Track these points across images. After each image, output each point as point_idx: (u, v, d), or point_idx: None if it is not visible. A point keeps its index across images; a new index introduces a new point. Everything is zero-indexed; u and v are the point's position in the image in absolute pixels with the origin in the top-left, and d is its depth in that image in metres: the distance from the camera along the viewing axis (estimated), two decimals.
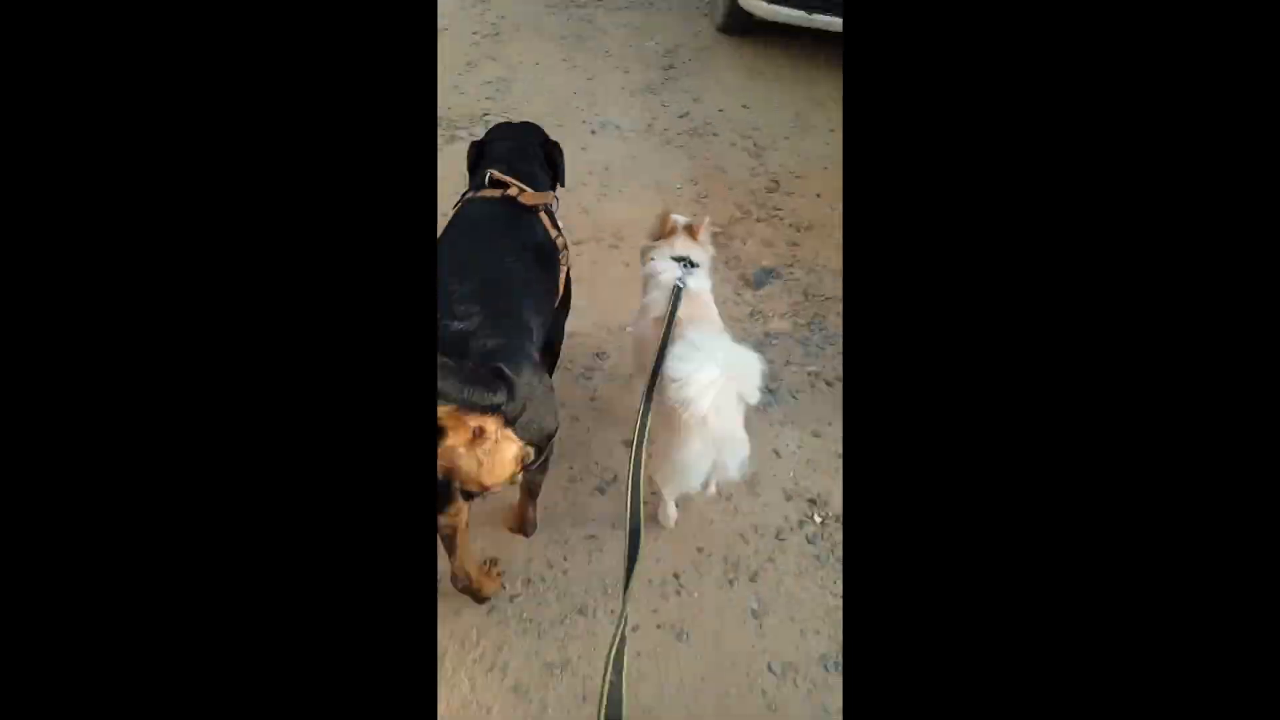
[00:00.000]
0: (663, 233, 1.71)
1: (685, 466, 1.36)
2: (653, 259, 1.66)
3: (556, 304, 1.56)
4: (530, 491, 1.52)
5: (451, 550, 1.35)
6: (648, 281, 1.65)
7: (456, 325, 1.14)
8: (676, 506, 1.65)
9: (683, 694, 1.38)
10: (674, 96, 3.39)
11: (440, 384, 0.99)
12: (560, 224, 1.61)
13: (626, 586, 1.01)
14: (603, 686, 0.87)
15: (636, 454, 1.18)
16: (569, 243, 1.63)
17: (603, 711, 0.85)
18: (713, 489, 1.63)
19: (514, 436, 1.13)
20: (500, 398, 1.08)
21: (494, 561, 1.57)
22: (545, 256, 1.50)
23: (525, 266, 1.40)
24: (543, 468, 1.37)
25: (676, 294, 1.50)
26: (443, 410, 1.04)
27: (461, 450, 1.10)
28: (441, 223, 1.48)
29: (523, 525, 1.60)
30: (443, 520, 1.24)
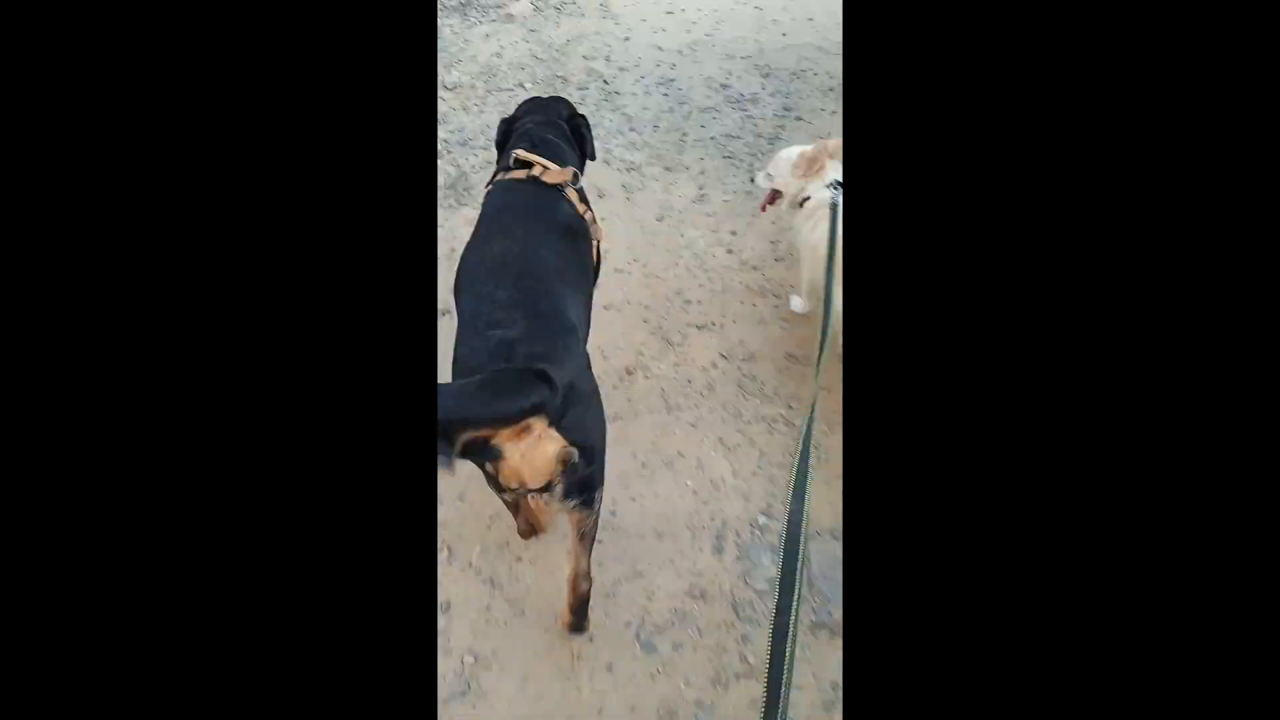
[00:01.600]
0: (809, 171, 1.82)
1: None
2: (808, 196, 1.80)
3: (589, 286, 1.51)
4: (581, 536, 1.32)
5: (516, 511, 1.50)
6: (810, 215, 1.79)
7: (500, 333, 1.11)
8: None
9: None
10: None
11: (462, 406, 0.99)
12: (588, 198, 1.57)
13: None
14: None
15: (820, 359, 1.25)
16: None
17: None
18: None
19: (556, 435, 1.08)
20: (540, 396, 1.04)
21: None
22: (576, 237, 1.48)
23: (558, 254, 1.37)
24: (593, 500, 1.25)
25: (834, 213, 1.64)
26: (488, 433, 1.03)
27: (504, 443, 1.05)
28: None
29: (575, 591, 1.40)
30: (504, 496, 1.34)
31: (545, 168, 1.52)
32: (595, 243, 1.55)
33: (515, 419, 1.03)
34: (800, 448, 0.94)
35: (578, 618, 1.44)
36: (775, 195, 2.00)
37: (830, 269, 1.47)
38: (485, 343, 1.12)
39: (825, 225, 1.65)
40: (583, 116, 1.78)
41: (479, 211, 1.51)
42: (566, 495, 1.17)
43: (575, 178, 1.57)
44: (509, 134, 1.69)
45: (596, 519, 1.30)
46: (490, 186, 1.56)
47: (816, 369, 1.21)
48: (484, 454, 1.06)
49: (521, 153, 1.55)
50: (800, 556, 0.82)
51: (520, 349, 1.10)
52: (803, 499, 0.87)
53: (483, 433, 1.02)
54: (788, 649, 0.77)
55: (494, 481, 1.14)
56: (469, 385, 1.03)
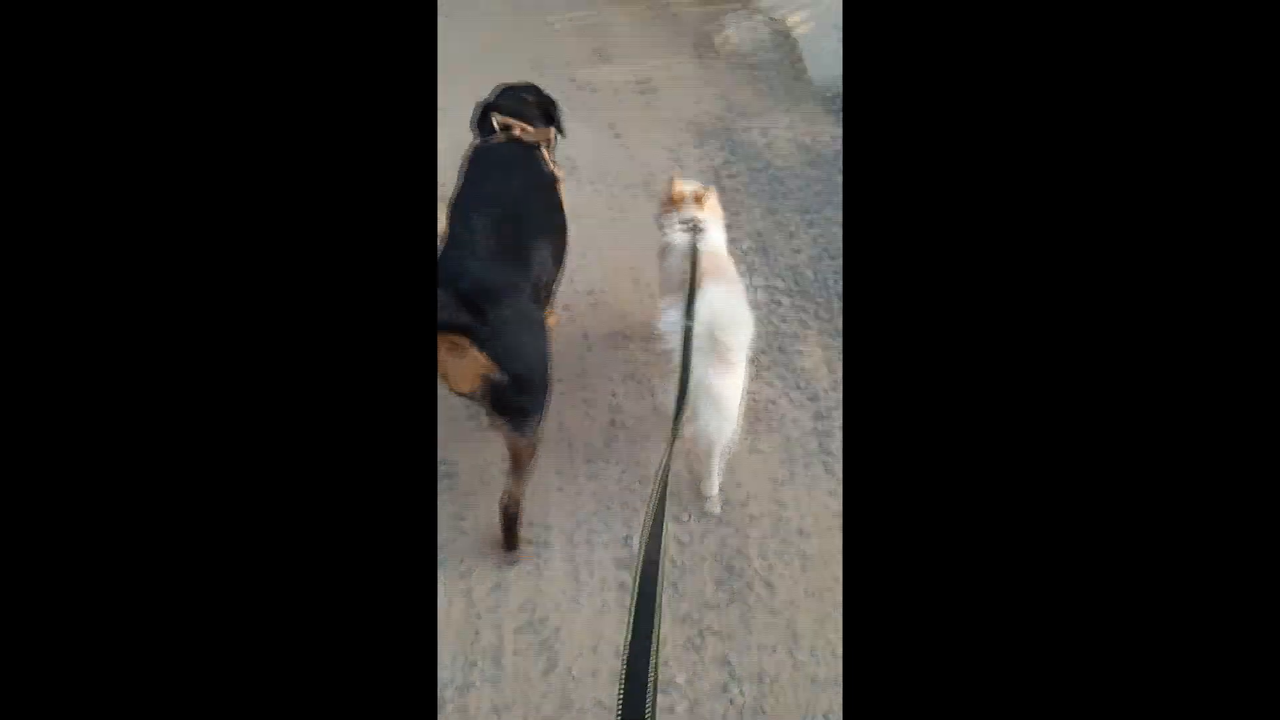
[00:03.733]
0: (672, 200, 1.80)
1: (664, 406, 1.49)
2: (665, 229, 1.77)
3: (559, 234, 1.69)
4: (516, 461, 1.52)
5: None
6: (665, 250, 1.75)
7: (458, 255, 1.37)
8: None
9: None
10: None
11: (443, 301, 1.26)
12: (556, 160, 1.81)
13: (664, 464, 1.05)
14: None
15: (679, 397, 1.29)
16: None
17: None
18: (714, 464, 1.65)
19: (480, 356, 1.34)
20: (467, 319, 1.30)
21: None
22: (549, 191, 1.70)
23: (532, 202, 1.59)
24: (525, 425, 1.45)
25: (694, 253, 1.60)
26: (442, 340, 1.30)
27: (446, 357, 1.35)
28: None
29: (505, 514, 1.59)
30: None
31: (524, 129, 1.73)
32: (560, 198, 1.74)
33: (454, 331, 1.29)
34: (657, 490, 0.95)
35: (508, 537, 1.61)
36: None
37: (690, 309, 1.44)
38: (447, 263, 1.35)
39: (678, 262, 1.63)
40: (551, 98, 1.96)
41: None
42: (497, 412, 1.41)
43: (553, 137, 1.80)
44: (485, 116, 1.83)
45: (532, 450, 1.50)
46: (470, 151, 1.73)
47: (675, 420, 1.23)
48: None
49: (500, 116, 1.74)
50: (658, 599, 0.81)
51: (471, 275, 1.34)
52: (659, 539, 0.88)
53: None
54: (647, 702, 0.73)
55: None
56: None
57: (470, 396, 1.40)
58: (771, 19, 4.05)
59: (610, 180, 2.93)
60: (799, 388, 2.06)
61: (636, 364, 2.12)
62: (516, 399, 1.39)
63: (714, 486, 1.69)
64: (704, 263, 1.57)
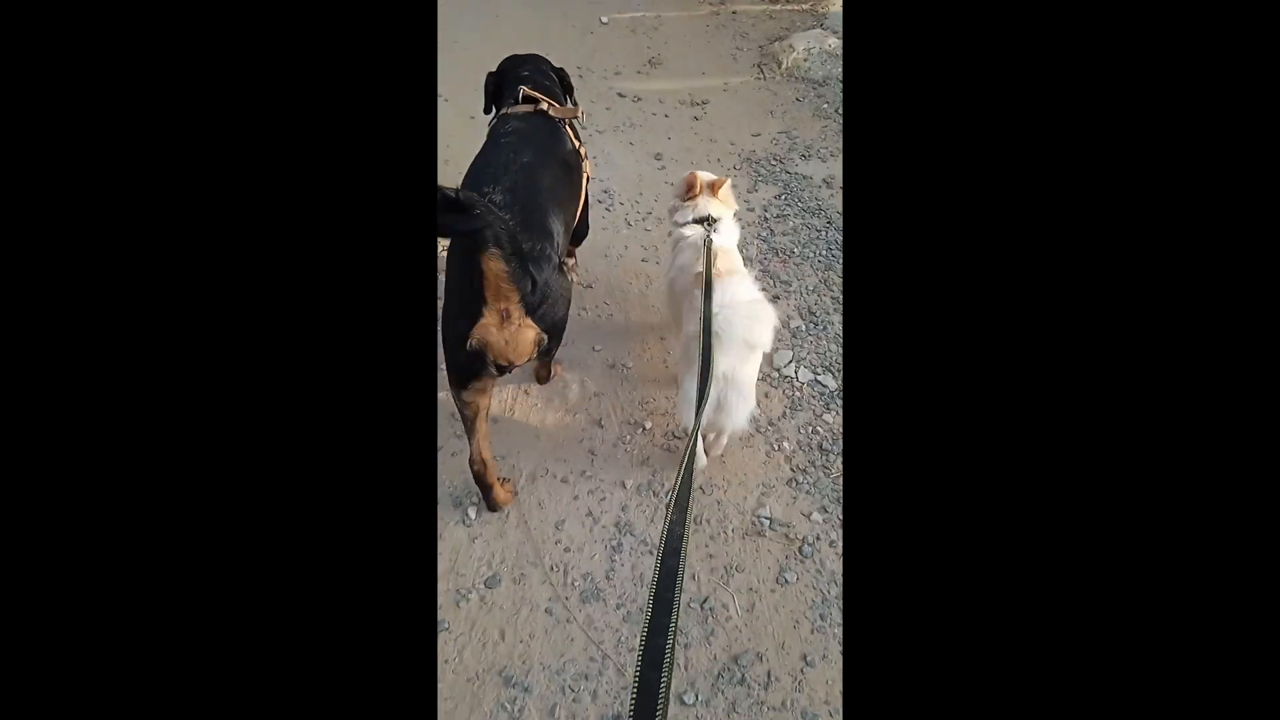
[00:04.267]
0: (688, 194, 1.78)
1: (688, 395, 1.48)
2: (678, 223, 1.77)
3: (579, 209, 1.74)
4: (543, 359, 1.79)
5: (471, 433, 1.53)
6: (677, 244, 1.74)
7: (501, 226, 1.25)
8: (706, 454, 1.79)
9: None
10: None
11: (492, 233, 1.21)
12: (581, 136, 1.86)
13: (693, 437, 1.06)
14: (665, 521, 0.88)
15: (701, 383, 1.24)
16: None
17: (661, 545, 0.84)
18: (723, 440, 1.73)
19: (533, 324, 1.34)
20: (526, 286, 1.29)
21: (506, 479, 1.73)
22: (571, 167, 1.68)
23: (553, 176, 1.55)
24: (553, 353, 1.70)
25: (709, 249, 1.58)
26: (492, 269, 1.25)
27: (493, 329, 1.31)
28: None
29: (538, 375, 1.94)
30: (469, 395, 1.44)
31: (551, 104, 1.74)
32: (586, 177, 1.77)
33: (512, 285, 1.28)
34: (684, 463, 0.94)
35: (542, 380, 1.93)
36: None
37: (707, 303, 1.42)
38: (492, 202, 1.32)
39: (696, 259, 1.63)
40: (563, 70, 1.99)
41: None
42: (538, 359, 1.58)
43: (577, 115, 1.81)
44: (500, 86, 1.86)
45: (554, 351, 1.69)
46: (496, 119, 1.76)
47: (700, 400, 1.20)
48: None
49: (528, 90, 1.76)
50: (680, 572, 0.81)
51: (518, 244, 1.28)
52: (685, 510, 0.88)
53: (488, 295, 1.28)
54: (663, 678, 0.72)
55: (482, 363, 1.36)
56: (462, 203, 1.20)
57: (516, 366, 1.41)
58: None
59: (648, 216, 2.56)
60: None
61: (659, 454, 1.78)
62: (548, 346, 1.47)
63: (717, 450, 1.79)
64: (719, 261, 1.59)
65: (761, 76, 3.43)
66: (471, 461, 1.58)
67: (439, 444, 1.83)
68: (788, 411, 1.95)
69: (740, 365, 1.46)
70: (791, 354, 2.09)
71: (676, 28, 3.82)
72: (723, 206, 1.77)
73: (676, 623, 0.75)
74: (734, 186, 1.94)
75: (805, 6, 3.99)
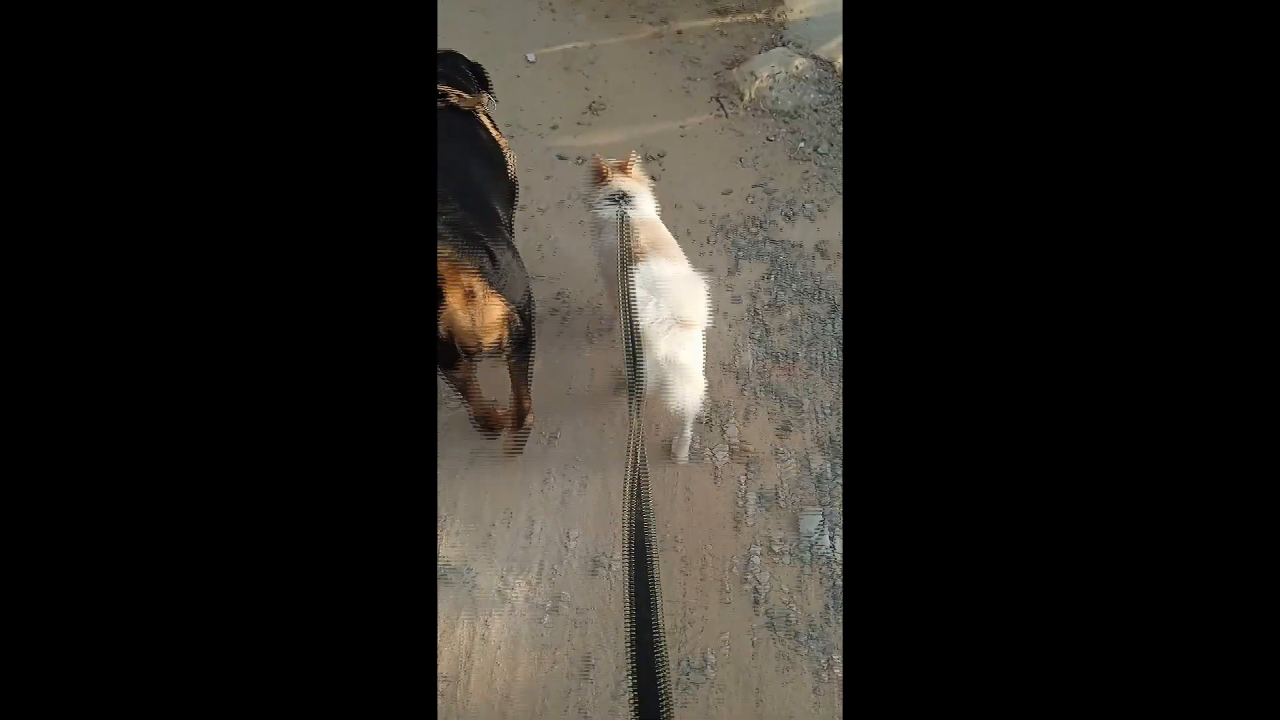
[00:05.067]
0: (599, 179, 1.75)
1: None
2: (593, 206, 1.71)
3: (513, 198, 1.75)
4: (521, 377, 1.61)
5: (468, 396, 1.62)
6: (596, 226, 1.69)
7: (449, 214, 1.26)
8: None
9: None
10: None
11: (441, 228, 1.21)
12: (500, 126, 1.83)
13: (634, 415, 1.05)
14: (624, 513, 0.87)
15: (630, 370, 1.22)
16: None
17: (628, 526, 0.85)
18: (686, 432, 1.66)
19: (499, 299, 1.33)
20: (484, 260, 1.28)
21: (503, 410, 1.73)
22: (495, 158, 1.70)
23: (480, 165, 1.59)
24: (526, 350, 1.52)
25: (623, 222, 1.53)
26: (442, 260, 1.24)
27: (458, 310, 1.30)
28: None
29: (518, 411, 1.68)
30: (455, 374, 1.53)
31: (460, 96, 1.72)
32: (512, 167, 1.78)
33: (468, 268, 1.26)
34: (630, 456, 0.93)
35: (518, 423, 1.71)
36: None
37: (624, 277, 1.38)
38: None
39: (613, 237, 1.56)
40: (479, 65, 1.97)
41: None
42: (515, 355, 1.49)
43: (486, 102, 1.83)
44: None
45: (532, 363, 1.59)
46: None
47: (633, 403, 1.14)
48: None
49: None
50: (653, 562, 0.82)
51: (466, 221, 1.29)
52: (645, 500, 0.88)
53: (443, 271, 1.26)
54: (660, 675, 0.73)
55: (451, 353, 1.38)
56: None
57: (494, 349, 1.40)
58: (815, 57, 3.13)
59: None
60: None
61: None
62: (526, 332, 1.46)
63: (685, 450, 1.72)
64: (641, 235, 1.52)
65: (722, 112, 2.95)
66: (474, 418, 1.64)
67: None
68: (830, 605, 1.50)
69: (678, 347, 1.39)
70: (819, 514, 1.63)
71: (616, 58, 3.31)
72: (635, 183, 1.73)
73: (662, 614, 0.77)
74: (711, 269, 2.05)
75: (760, 16, 3.51)
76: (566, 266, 2.28)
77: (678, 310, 1.35)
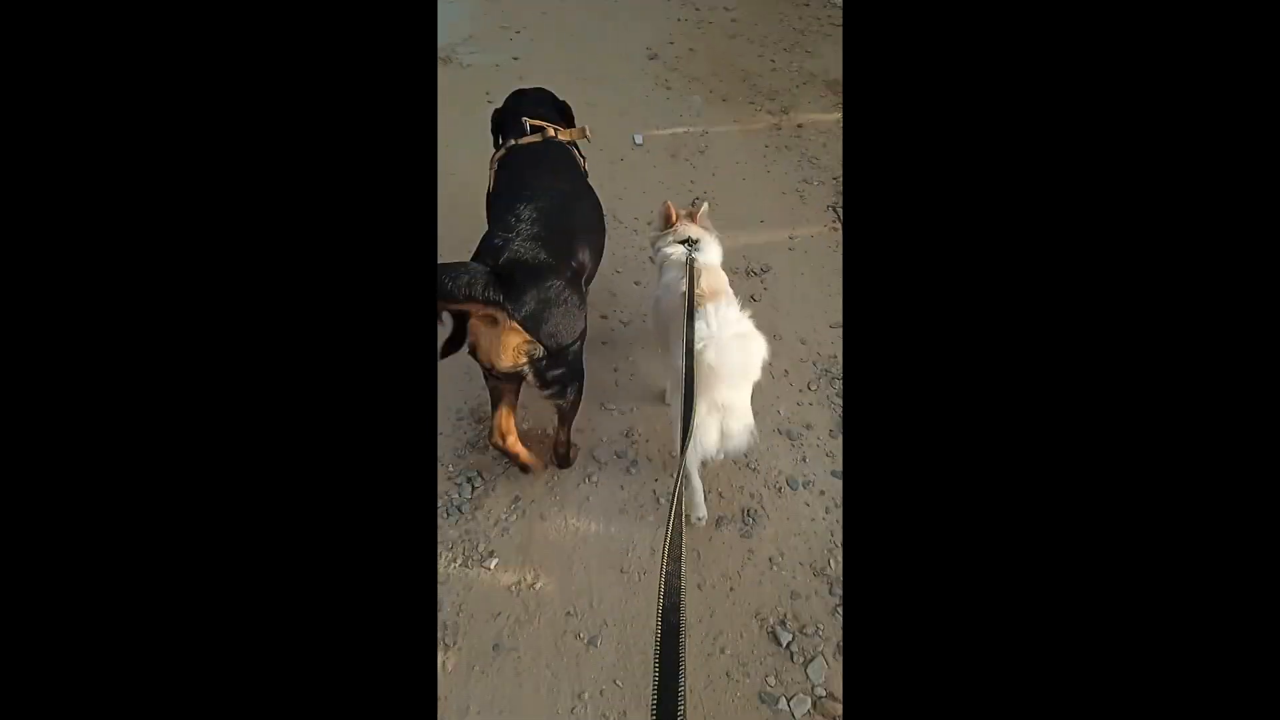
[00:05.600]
0: (666, 224, 1.78)
1: (697, 428, 1.41)
2: (660, 247, 1.75)
3: (601, 228, 1.78)
4: (561, 417, 1.69)
5: (493, 408, 1.61)
6: (663, 264, 1.72)
7: (500, 239, 1.42)
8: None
9: None
10: None
11: (443, 280, 1.29)
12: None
13: (679, 474, 0.99)
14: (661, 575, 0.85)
15: (685, 415, 1.21)
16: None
17: (661, 600, 0.83)
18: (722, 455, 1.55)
19: (519, 329, 1.37)
20: (498, 295, 1.33)
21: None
22: (585, 186, 1.80)
23: (575, 196, 1.67)
24: (560, 389, 1.54)
25: (691, 267, 1.57)
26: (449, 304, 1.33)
27: (479, 329, 1.40)
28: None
29: (556, 451, 1.78)
30: (490, 382, 1.57)
31: (556, 129, 1.83)
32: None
33: (469, 302, 1.32)
34: (674, 506, 0.92)
35: (561, 463, 1.80)
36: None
37: (689, 321, 1.40)
38: (487, 242, 1.44)
39: (681, 277, 1.59)
40: (565, 102, 2.05)
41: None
42: (543, 387, 1.51)
43: (585, 135, 1.88)
44: (503, 123, 1.92)
45: (575, 405, 1.64)
46: (503, 153, 1.78)
47: (684, 434, 1.16)
48: (464, 334, 1.44)
49: (532, 120, 1.83)
50: (682, 625, 0.80)
51: (507, 252, 1.39)
52: (679, 560, 0.86)
53: (454, 306, 1.34)
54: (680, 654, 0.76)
55: (481, 365, 1.47)
56: (449, 267, 1.32)
57: (513, 372, 1.44)
58: None
59: (738, 517, 1.78)
60: None
61: None
62: (553, 372, 1.47)
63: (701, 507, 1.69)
64: (703, 280, 1.55)
65: (837, 225, 2.64)
66: (491, 433, 1.63)
67: None
68: None
69: (736, 394, 1.45)
70: None
71: (728, 149, 3.07)
72: (702, 230, 1.76)
73: (685, 683, 0.76)
74: (809, 426, 1.91)
75: None
76: (643, 394, 2.01)
77: (742, 368, 1.40)
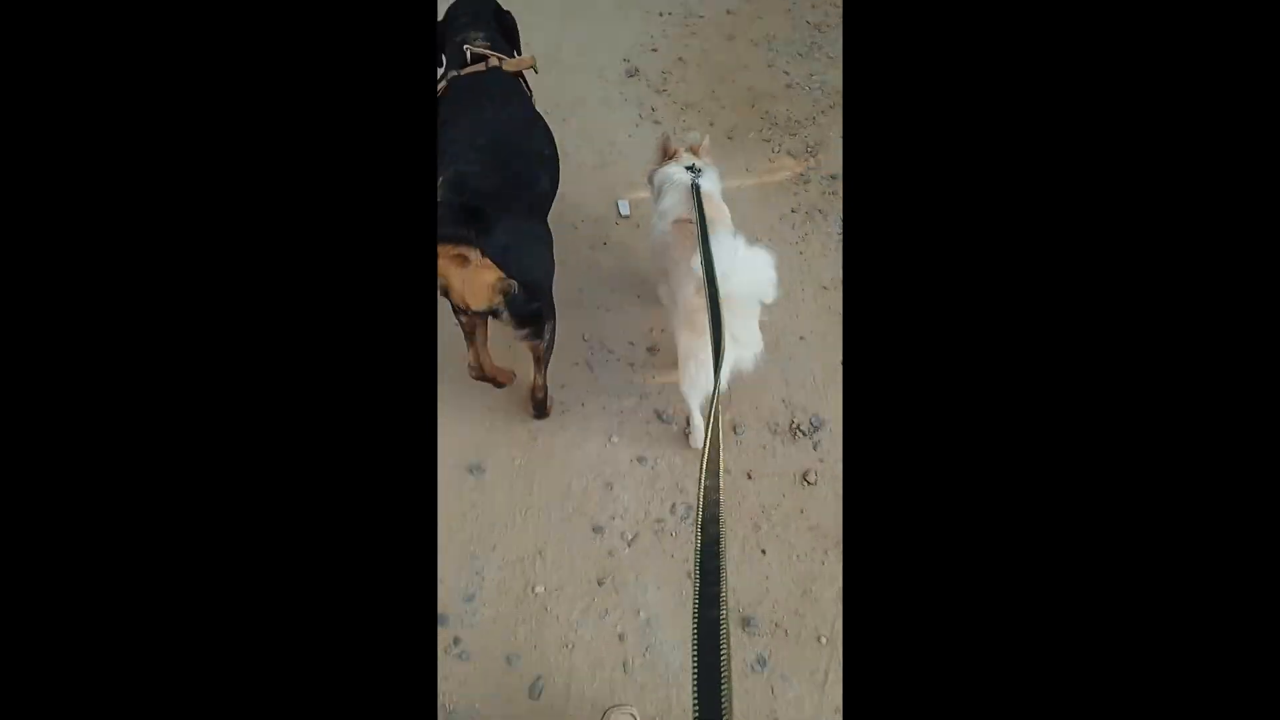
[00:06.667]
0: (665, 157, 1.76)
1: (697, 358, 1.48)
2: (661, 169, 1.73)
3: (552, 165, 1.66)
4: (537, 360, 1.65)
5: (468, 342, 1.62)
6: (661, 188, 1.70)
7: (456, 169, 1.36)
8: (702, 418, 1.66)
9: None
10: None
11: (442, 195, 1.29)
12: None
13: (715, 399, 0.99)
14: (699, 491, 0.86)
15: (715, 335, 1.18)
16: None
17: (700, 512, 0.84)
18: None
19: (492, 265, 1.34)
20: (471, 232, 1.29)
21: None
22: (534, 113, 1.69)
23: (530, 129, 1.60)
24: (535, 329, 1.52)
25: (696, 192, 1.56)
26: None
27: (450, 270, 1.34)
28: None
29: (534, 398, 1.75)
30: (461, 319, 1.54)
31: (501, 58, 1.70)
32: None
33: (453, 242, 1.29)
34: (711, 427, 0.92)
35: (538, 411, 1.80)
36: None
37: (705, 246, 1.34)
38: (451, 176, 1.35)
39: (685, 202, 1.60)
40: (509, 13, 1.93)
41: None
42: (518, 326, 1.47)
43: (531, 65, 1.76)
44: (443, 35, 1.81)
45: (549, 346, 1.61)
46: (445, 83, 1.66)
47: (716, 363, 1.12)
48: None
49: (477, 47, 1.70)
50: (722, 538, 0.82)
51: (471, 183, 1.34)
52: (717, 474, 0.87)
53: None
54: (723, 652, 0.73)
55: (453, 305, 1.44)
56: None
57: (489, 312, 1.42)
58: None
59: None
60: None
61: None
62: (530, 306, 1.44)
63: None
64: (707, 208, 1.52)
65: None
66: (470, 366, 1.65)
67: None
68: None
69: (745, 322, 1.43)
70: None
71: (741, 214, 2.34)
72: (704, 161, 1.72)
73: (726, 593, 0.76)
74: None
75: None
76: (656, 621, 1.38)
77: (756, 289, 1.36)
